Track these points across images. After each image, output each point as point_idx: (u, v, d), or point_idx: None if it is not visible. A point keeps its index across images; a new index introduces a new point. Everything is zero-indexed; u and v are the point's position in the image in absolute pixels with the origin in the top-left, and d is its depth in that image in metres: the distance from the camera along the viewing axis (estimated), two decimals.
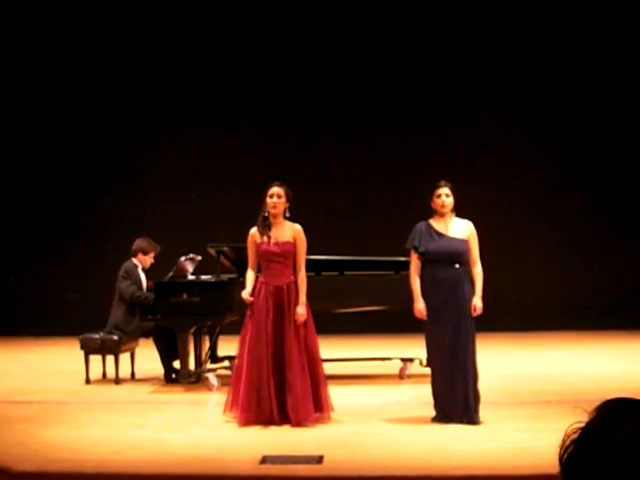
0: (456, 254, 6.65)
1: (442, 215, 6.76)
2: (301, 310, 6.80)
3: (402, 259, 8.74)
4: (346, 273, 8.81)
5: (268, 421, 6.71)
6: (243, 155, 13.13)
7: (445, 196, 6.74)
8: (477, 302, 6.63)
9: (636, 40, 13.07)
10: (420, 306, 6.65)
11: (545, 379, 8.85)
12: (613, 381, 8.56)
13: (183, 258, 9.03)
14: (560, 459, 1.46)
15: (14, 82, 13.56)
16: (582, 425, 1.45)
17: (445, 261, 6.64)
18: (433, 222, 6.79)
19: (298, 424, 6.67)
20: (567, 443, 1.45)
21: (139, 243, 9.29)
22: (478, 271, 6.72)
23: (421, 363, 8.86)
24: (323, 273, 8.66)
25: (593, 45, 13.11)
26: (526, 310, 12.71)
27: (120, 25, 13.40)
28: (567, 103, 13.21)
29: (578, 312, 12.48)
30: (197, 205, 13.14)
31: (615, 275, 13.07)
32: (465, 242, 6.71)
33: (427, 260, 6.70)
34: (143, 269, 9.22)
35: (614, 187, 13.24)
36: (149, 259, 9.24)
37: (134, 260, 9.20)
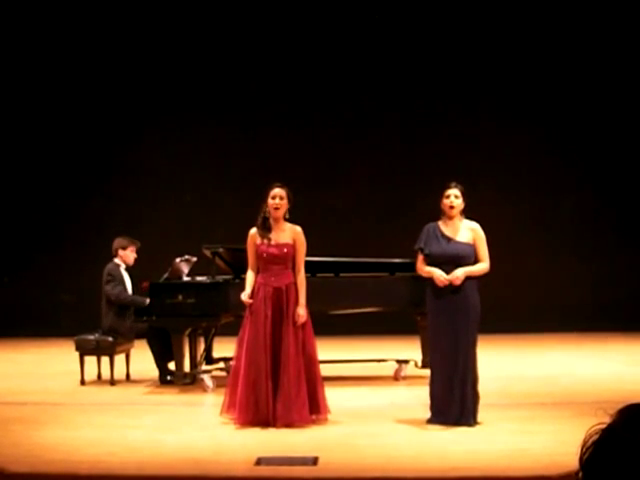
0: (459, 258, 6.59)
1: (450, 217, 6.70)
2: (302, 311, 6.79)
3: (397, 260, 8.76)
4: (341, 274, 8.81)
5: (265, 422, 6.71)
6: (239, 156, 13.12)
7: (454, 197, 6.67)
8: (458, 271, 6.55)
9: (634, 41, 13.08)
10: (437, 273, 6.55)
11: (540, 381, 8.85)
12: (609, 383, 8.55)
13: (178, 259, 9.01)
14: (580, 459, 1.44)
15: (11, 81, 13.53)
16: (604, 426, 1.44)
17: (448, 264, 6.57)
18: (442, 224, 6.73)
19: (287, 425, 6.66)
20: (589, 443, 1.44)
21: (117, 241, 9.24)
22: (480, 264, 6.65)
23: (416, 365, 8.85)
24: (318, 274, 8.65)
25: (590, 47, 13.12)
26: (523, 311, 12.71)
27: (114, 26, 13.37)
28: (565, 105, 13.22)
29: (575, 314, 12.48)
30: (192, 206, 13.13)
31: (613, 277, 13.08)
32: (470, 246, 6.66)
33: (432, 262, 6.66)
34: (127, 268, 9.18)
35: (612, 188, 13.24)
36: (130, 254, 9.16)
37: (116, 260, 9.14)
